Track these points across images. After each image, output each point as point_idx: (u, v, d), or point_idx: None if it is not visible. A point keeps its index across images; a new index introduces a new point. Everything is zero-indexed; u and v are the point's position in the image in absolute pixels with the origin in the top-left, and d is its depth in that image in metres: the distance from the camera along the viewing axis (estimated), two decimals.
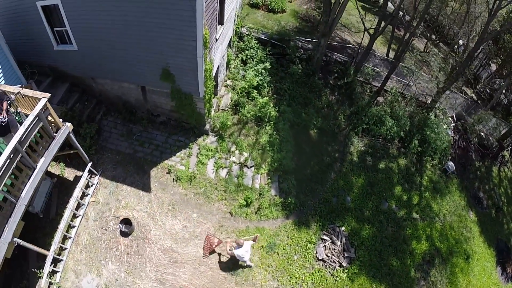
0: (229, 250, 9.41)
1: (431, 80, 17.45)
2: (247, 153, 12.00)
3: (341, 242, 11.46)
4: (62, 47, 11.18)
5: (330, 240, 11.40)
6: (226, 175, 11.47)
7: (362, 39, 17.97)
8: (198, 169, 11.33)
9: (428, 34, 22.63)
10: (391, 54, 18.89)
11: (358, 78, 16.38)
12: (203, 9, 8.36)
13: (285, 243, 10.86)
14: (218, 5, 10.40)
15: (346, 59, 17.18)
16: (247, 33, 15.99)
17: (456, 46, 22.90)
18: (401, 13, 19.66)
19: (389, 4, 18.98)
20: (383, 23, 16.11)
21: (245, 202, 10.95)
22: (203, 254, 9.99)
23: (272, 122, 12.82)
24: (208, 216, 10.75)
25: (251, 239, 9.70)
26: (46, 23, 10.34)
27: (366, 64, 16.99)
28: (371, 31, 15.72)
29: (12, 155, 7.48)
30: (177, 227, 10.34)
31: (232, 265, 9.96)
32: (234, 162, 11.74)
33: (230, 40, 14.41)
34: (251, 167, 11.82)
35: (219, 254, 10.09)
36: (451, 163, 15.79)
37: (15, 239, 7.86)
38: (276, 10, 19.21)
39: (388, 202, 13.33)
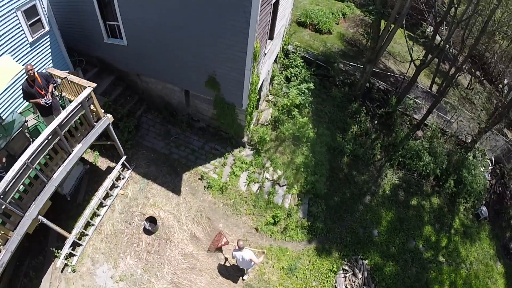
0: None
1: (473, 118, 16.88)
2: (281, 171, 11.91)
3: (362, 275, 11.07)
4: (112, 41, 11.53)
5: (352, 272, 11.05)
6: (257, 190, 11.42)
7: (408, 69, 17.54)
8: (231, 180, 11.34)
9: (473, 70, 21.84)
10: (434, 88, 18.35)
11: (399, 109, 15.97)
12: (257, 22, 8.41)
13: (306, 267, 10.62)
14: (270, 20, 10.50)
15: (389, 87, 16.85)
16: (293, 50, 15.97)
17: (501, 86, 22.00)
18: (448, 46, 19.06)
19: (437, 36, 18.45)
20: (429, 55, 15.65)
21: (272, 220, 10.84)
22: (209, 248, 9.94)
23: (309, 143, 12.68)
24: (234, 228, 10.70)
25: (258, 252, 9.45)
26: (99, 15, 10.69)
27: (409, 96, 16.56)
28: (417, 62, 15.32)
29: (50, 137, 7.78)
30: (201, 235, 10.32)
31: (249, 281, 9.81)
32: (267, 179, 11.67)
33: (277, 56, 14.44)
34: (283, 185, 11.71)
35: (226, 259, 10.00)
36: (484, 208, 15.06)
37: (39, 216, 8.14)
38: (323, 31, 19.12)
39: (416, 241, 12.85)
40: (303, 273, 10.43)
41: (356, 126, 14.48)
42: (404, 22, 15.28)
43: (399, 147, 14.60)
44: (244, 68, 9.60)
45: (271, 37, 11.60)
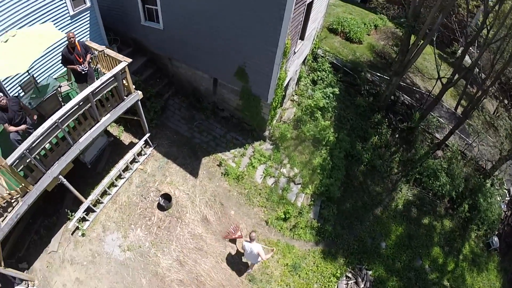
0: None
1: (495, 145, 16.55)
2: (298, 169, 11.91)
3: (364, 285, 10.98)
4: (149, 24, 11.85)
5: (354, 280, 10.96)
6: (272, 184, 11.44)
7: (434, 87, 17.35)
8: (248, 171, 11.41)
9: (501, 97, 21.44)
10: (460, 110, 18.10)
11: (422, 126, 15.80)
12: (290, 20, 8.57)
13: (310, 268, 10.58)
14: (303, 20, 10.60)
15: (413, 103, 16.69)
16: (322, 55, 16.00)
17: None
18: (476, 69, 18.79)
19: (467, 57, 18.20)
20: (457, 75, 15.45)
21: (283, 216, 10.83)
22: (224, 236, 10.05)
23: (328, 147, 12.66)
24: (245, 217, 10.75)
25: (267, 249, 9.45)
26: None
27: (432, 113, 16.37)
28: (444, 81, 15.15)
29: (82, 103, 8.06)
30: (212, 218, 10.39)
31: (253, 272, 9.82)
32: (283, 174, 11.68)
33: (306, 58, 14.48)
34: (298, 184, 11.70)
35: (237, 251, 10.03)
36: (496, 239, 14.72)
37: (60, 176, 8.37)
38: (354, 40, 19.09)
39: (422, 261, 12.63)
40: (306, 273, 10.39)
41: (377, 137, 14.38)
42: (434, 38, 15.20)
43: (417, 164, 14.43)
44: (273, 63, 9.70)
45: (302, 37, 11.67)
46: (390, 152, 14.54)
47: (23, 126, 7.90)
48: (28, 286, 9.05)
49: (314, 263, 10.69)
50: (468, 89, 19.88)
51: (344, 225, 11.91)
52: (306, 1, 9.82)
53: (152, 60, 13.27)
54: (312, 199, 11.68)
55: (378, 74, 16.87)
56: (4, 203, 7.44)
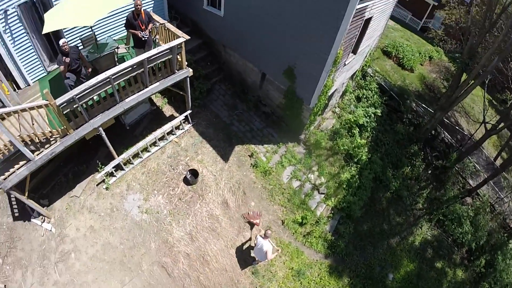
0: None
1: None
2: (325, 179, 11.62)
3: None
4: (210, 9, 11.98)
5: None
6: (297, 187, 11.22)
7: (476, 131, 16.61)
8: (276, 168, 11.24)
9: None
10: (499, 162, 17.22)
11: (456, 167, 15.14)
12: (346, 31, 8.49)
13: (313, 279, 10.25)
14: (358, 34, 10.39)
15: (453, 142, 16.02)
16: (371, 74, 15.63)
17: None
18: None
19: None
20: (502, 124, 14.72)
21: (300, 220, 10.58)
22: (244, 215, 10.05)
23: (359, 166, 12.30)
24: (263, 212, 10.60)
25: (275, 249, 9.20)
26: None
27: (470, 158, 15.67)
28: (488, 126, 14.45)
29: (135, 66, 8.26)
30: (232, 204, 10.31)
31: (258, 267, 9.67)
32: (309, 180, 11.43)
33: (355, 73, 14.18)
34: (322, 193, 11.42)
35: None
36: None
37: (100, 128, 8.56)
38: (406, 66, 18.55)
39: None
40: (308, 283, 10.08)
41: (409, 168, 13.84)
42: (486, 81, 14.53)
43: (444, 205, 13.80)
44: (322, 69, 9.59)
45: (354, 51, 11.43)
46: (419, 186, 13.98)
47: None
48: (43, 221, 9.31)
49: (318, 275, 10.36)
50: (511, 141, 18.97)
51: (357, 246, 11.50)
52: (364, 17, 9.65)
53: (206, 44, 13.40)
54: (332, 212, 11.36)
55: (423, 105, 16.31)
56: (43, 139, 7.65)
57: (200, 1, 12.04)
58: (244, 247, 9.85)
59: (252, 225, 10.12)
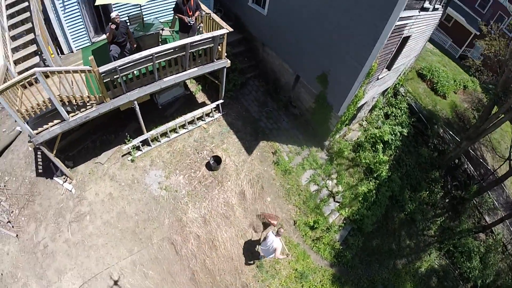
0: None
1: None
2: (342, 188, 11.43)
3: None
4: (254, 7, 12.02)
5: None
6: (314, 191, 11.08)
7: (499, 167, 16.06)
8: (297, 169, 11.15)
9: None
10: None
11: (475, 201, 14.68)
12: (382, 45, 8.39)
13: (314, 284, 10.08)
14: (394, 51, 10.19)
15: (475, 175, 15.52)
16: (403, 93, 15.31)
17: None
18: None
19: None
20: None
21: (312, 224, 10.46)
22: (264, 215, 9.96)
23: (377, 181, 12.03)
24: (278, 209, 10.53)
25: (284, 251, 9.13)
26: None
27: (490, 193, 15.18)
28: None
29: (178, 49, 8.44)
30: (249, 196, 10.30)
31: (264, 262, 9.63)
32: (327, 187, 11.27)
33: (386, 90, 13.93)
34: (337, 202, 11.24)
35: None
36: None
37: (135, 102, 8.75)
38: (439, 92, 18.04)
39: None
40: (309, 287, 9.99)
41: (427, 193, 13.45)
42: None
43: (456, 237, 13.36)
44: (355, 79, 9.49)
45: (388, 67, 11.21)
46: (434, 213, 13.59)
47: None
48: (65, 181, 9.53)
49: (320, 282, 10.17)
50: None
51: (363, 261, 11.25)
52: (403, 35, 9.48)
53: (246, 40, 13.45)
54: (344, 222, 11.16)
55: (450, 132, 15.91)
56: (80, 102, 7.80)
57: None
58: (253, 240, 9.81)
59: (266, 225, 10.01)
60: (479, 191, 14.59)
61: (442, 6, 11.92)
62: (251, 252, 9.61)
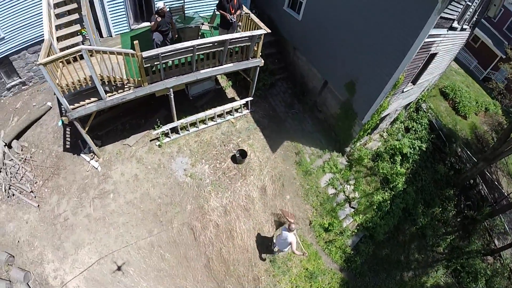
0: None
1: None
2: (359, 195, 11.29)
3: None
4: (289, 11, 11.98)
5: None
6: (331, 195, 10.99)
7: None
8: (317, 172, 11.06)
9: None
10: None
11: (486, 223, 14.42)
12: (410, 59, 8.38)
13: (323, 286, 9.93)
14: (421, 66, 10.10)
15: (489, 197, 15.25)
16: (424, 109, 15.09)
17: None
18: None
19: None
20: None
21: (327, 226, 10.35)
22: (281, 209, 9.91)
23: (393, 192, 11.83)
24: (295, 207, 10.44)
25: (301, 248, 9.01)
26: None
27: (502, 217, 14.89)
28: None
29: (217, 43, 8.59)
30: (270, 192, 10.27)
31: (277, 257, 9.60)
32: (344, 192, 11.14)
33: (409, 104, 13.78)
34: (352, 207, 11.09)
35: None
36: None
37: (171, 90, 8.86)
38: (460, 112, 17.72)
39: None
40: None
41: (440, 209, 13.16)
42: None
43: (464, 256, 13.10)
44: (382, 89, 9.43)
45: (414, 82, 11.06)
46: (445, 230, 13.31)
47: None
48: (92, 158, 9.65)
49: (328, 284, 10.01)
50: None
51: (372, 269, 11.06)
52: (430, 51, 9.42)
53: (278, 42, 13.42)
54: (357, 228, 10.99)
55: (468, 152, 15.67)
56: (119, 83, 7.91)
57: (281, 1, 12.08)
58: (269, 237, 9.79)
59: (280, 224, 9.92)
60: (491, 213, 14.28)
61: (470, 26, 11.75)
62: (266, 246, 9.56)
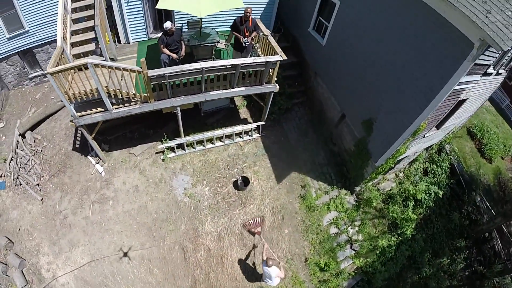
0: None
1: None
2: (362, 238, 10.02)
3: None
4: (314, 34, 10.69)
5: None
6: (332, 234, 9.81)
7: None
8: (321, 209, 9.88)
9: None
10: None
11: (496, 280, 12.83)
12: (435, 108, 7.17)
13: None
14: (447, 112, 8.68)
15: (502, 254, 13.58)
16: (447, 151, 13.58)
17: None
18: None
19: None
20: None
21: (322, 265, 9.25)
22: (246, 224, 8.94)
23: (400, 238, 10.48)
24: (292, 242, 9.42)
25: (282, 272, 8.02)
26: (317, 9, 10.12)
27: None
28: None
29: (229, 67, 7.77)
30: (268, 223, 9.40)
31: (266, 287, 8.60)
32: (347, 233, 9.90)
33: (431, 145, 12.37)
34: (353, 250, 9.86)
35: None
36: None
37: (178, 108, 8.20)
38: (485, 155, 15.78)
39: None
40: None
41: (448, 261, 11.64)
42: None
43: None
44: (400, 135, 8.16)
45: (438, 127, 9.56)
46: (450, 283, 11.58)
47: (173, 55, 7.79)
48: (98, 162, 9.20)
49: None
50: None
51: None
52: (459, 98, 7.96)
53: (300, 64, 12.19)
54: (356, 271, 9.74)
55: (487, 203, 14.00)
56: (126, 97, 7.32)
57: (306, 23, 10.82)
58: (255, 261, 8.92)
59: (253, 234, 9.01)
60: (502, 271, 12.55)
61: (506, 71, 10.23)
62: (255, 275, 8.73)
